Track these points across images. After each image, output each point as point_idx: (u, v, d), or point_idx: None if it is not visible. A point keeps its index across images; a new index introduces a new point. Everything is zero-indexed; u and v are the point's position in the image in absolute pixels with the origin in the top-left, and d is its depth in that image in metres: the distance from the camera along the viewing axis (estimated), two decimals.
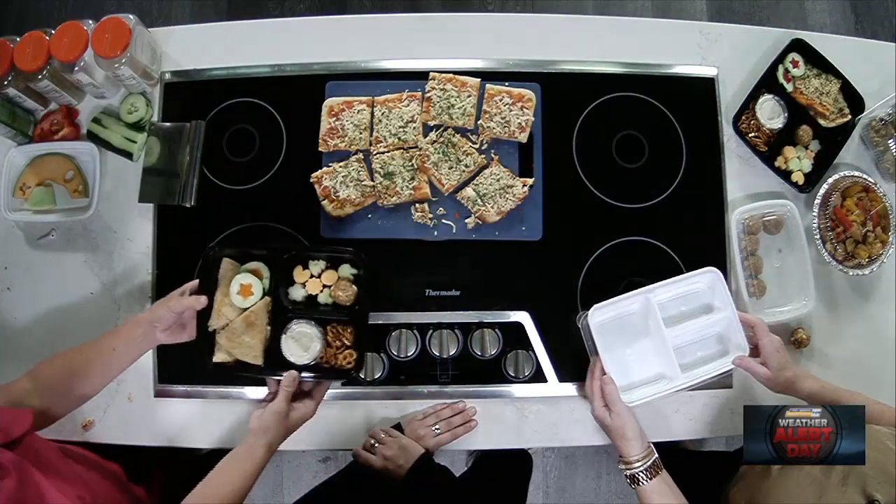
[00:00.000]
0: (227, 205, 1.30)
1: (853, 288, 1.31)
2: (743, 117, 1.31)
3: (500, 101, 1.26)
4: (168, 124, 1.30)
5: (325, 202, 1.24)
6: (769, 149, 1.31)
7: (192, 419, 1.25)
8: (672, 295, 1.20)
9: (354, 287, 1.15)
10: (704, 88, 1.34)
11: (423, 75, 1.28)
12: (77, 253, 1.30)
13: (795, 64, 1.33)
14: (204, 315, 1.11)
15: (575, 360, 1.22)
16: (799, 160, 1.30)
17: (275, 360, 1.11)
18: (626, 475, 1.08)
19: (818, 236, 1.26)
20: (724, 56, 1.35)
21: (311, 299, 1.17)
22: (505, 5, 2.43)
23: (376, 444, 1.16)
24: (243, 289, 1.12)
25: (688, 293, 1.21)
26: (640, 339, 1.21)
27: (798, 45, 1.33)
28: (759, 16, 2.44)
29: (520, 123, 1.26)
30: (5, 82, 1.23)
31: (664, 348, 1.17)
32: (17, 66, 1.22)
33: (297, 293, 1.16)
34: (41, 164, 1.30)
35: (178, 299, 1.08)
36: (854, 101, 1.32)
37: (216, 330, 1.12)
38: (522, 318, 1.24)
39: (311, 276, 1.16)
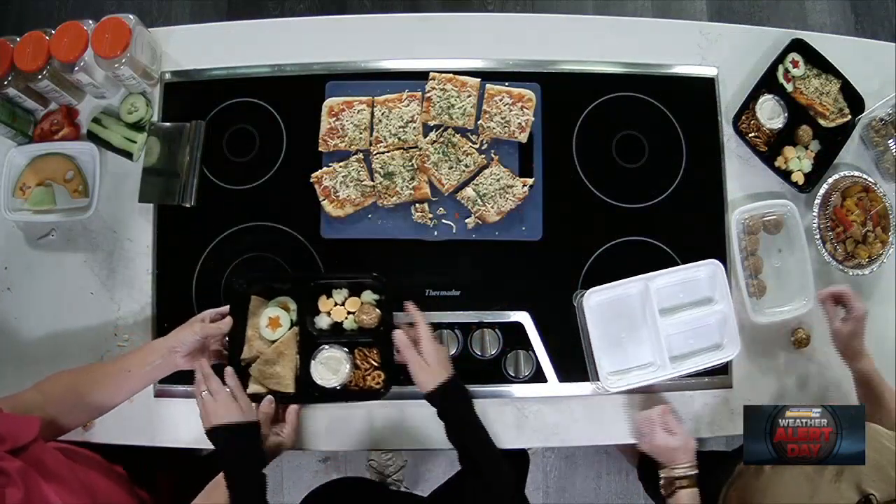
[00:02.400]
0: (227, 205, 1.30)
1: (853, 288, 1.30)
2: (743, 117, 1.31)
3: (500, 101, 1.26)
4: (168, 124, 1.30)
5: (325, 202, 1.25)
6: (769, 149, 1.30)
7: (192, 419, 1.24)
8: (672, 283, 1.21)
9: (378, 310, 1.18)
10: (704, 88, 1.34)
11: (423, 75, 1.28)
12: (77, 253, 1.30)
13: (795, 64, 1.33)
14: (235, 349, 1.15)
15: (575, 361, 1.22)
16: (799, 160, 1.30)
17: (306, 387, 1.15)
18: (674, 477, 1.11)
19: (818, 236, 1.26)
20: (724, 56, 1.35)
21: (336, 326, 1.19)
22: (505, 5, 2.43)
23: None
24: (272, 322, 1.17)
25: (687, 281, 1.22)
26: (637, 325, 1.22)
27: (798, 45, 1.33)
28: (759, 16, 2.44)
29: (520, 123, 1.26)
30: (5, 82, 1.23)
31: (656, 336, 1.18)
32: (17, 66, 1.22)
33: (322, 321, 1.19)
34: (41, 164, 1.30)
35: (203, 324, 1.10)
36: (854, 101, 1.32)
37: (248, 362, 1.15)
38: (522, 318, 1.24)
39: (335, 304, 1.20)
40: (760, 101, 1.31)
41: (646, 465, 1.37)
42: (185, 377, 1.23)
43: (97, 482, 0.99)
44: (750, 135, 1.31)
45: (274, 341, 1.16)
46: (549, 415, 1.24)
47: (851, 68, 1.32)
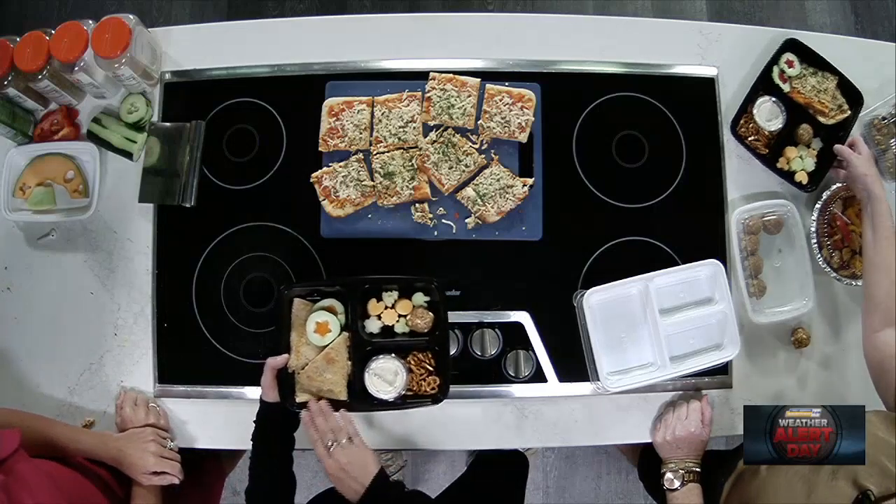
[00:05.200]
0: (227, 205, 1.30)
1: (847, 298, 1.30)
2: (741, 121, 1.31)
3: (500, 101, 1.26)
4: (168, 124, 1.30)
5: (325, 202, 1.24)
6: (770, 151, 1.30)
7: (192, 419, 1.25)
8: (672, 283, 1.21)
9: (431, 314, 1.14)
10: (704, 88, 1.34)
11: (423, 75, 1.28)
12: (77, 253, 1.30)
13: (790, 64, 1.32)
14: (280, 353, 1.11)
15: (575, 361, 1.22)
16: (802, 160, 1.30)
17: (359, 395, 1.12)
18: (686, 470, 1.14)
19: (815, 241, 1.26)
20: (724, 56, 1.35)
21: (387, 329, 1.16)
22: (505, 5, 2.43)
23: (333, 445, 1.03)
24: (319, 327, 1.12)
25: (688, 281, 1.22)
26: (637, 325, 1.22)
27: (792, 45, 1.32)
28: (759, 16, 2.44)
29: (520, 123, 1.26)
30: (5, 82, 1.23)
31: (656, 336, 1.19)
32: (17, 66, 1.22)
33: (373, 325, 1.15)
34: (41, 164, 1.30)
35: (159, 461, 1.12)
36: (852, 96, 1.31)
37: (295, 371, 1.11)
38: (522, 318, 1.24)
39: (386, 307, 1.16)
40: (758, 103, 1.31)
41: (646, 465, 1.37)
42: (184, 377, 1.25)
43: (80, 490, 1.00)
44: (749, 138, 1.30)
45: (323, 347, 1.12)
46: (549, 415, 1.24)
47: (851, 68, 1.32)
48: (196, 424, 1.25)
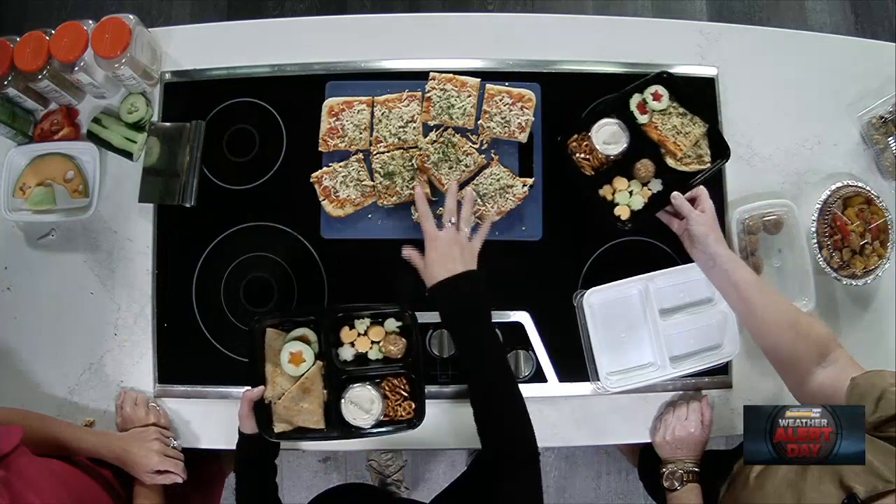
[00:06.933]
0: (227, 205, 1.30)
1: (850, 298, 1.30)
2: (577, 134, 1.23)
3: (500, 101, 1.26)
4: (168, 124, 1.30)
5: (325, 202, 1.24)
6: (597, 174, 1.22)
7: (192, 419, 1.25)
8: (672, 283, 1.22)
9: (404, 339, 1.15)
10: (704, 88, 1.34)
11: (423, 75, 1.28)
12: (77, 253, 1.30)
13: (657, 97, 1.23)
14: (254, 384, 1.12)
15: (575, 361, 1.22)
16: (630, 195, 1.21)
17: (337, 423, 1.12)
18: (685, 471, 1.14)
19: (815, 241, 1.26)
20: (724, 56, 1.35)
21: (361, 357, 1.16)
22: (505, 5, 2.43)
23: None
24: (293, 357, 1.12)
25: (687, 282, 1.22)
26: (637, 325, 1.22)
27: (665, 79, 1.24)
28: (759, 16, 2.44)
29: (520, 123, 1.26)
30: (5, 82, 1.23)
31: (657, 337, 1.19)
32: (17, 66, 1.22)
33: (346, 353, 1.16)
34: (41, 164, 1.30)
35: (163, 460, 1.12)
36: (719, 150, 1.22)
37: (272, 401, 1.12)
38: (522, 318, 1.24)
39: (359, 334, 1.16)
40: (601, 123, 1.22)
41: (646, 465, 1.37)
42: (184, 377, 1.25)
43: (82, 487, 1.00)
44: (578, 154, 1.22)
45: (298, 377, 1.12)
46: (549, 415, 1.24)
47: (851, 68, 1.31)
48: (196, 424, 1.25)
